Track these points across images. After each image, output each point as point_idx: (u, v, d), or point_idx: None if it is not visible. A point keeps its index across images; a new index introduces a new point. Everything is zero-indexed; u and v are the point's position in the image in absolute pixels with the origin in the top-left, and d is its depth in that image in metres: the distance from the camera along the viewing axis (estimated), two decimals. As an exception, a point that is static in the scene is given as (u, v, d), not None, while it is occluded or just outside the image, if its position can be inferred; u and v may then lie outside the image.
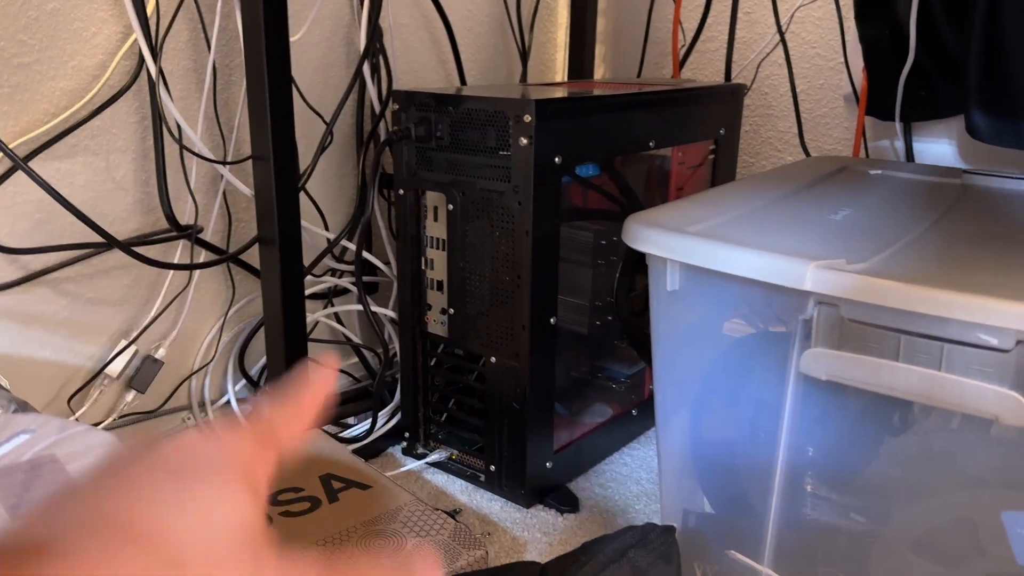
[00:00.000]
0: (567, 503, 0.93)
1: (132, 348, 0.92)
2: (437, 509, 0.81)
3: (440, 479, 0.99)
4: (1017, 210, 0.84)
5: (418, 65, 1.19)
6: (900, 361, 0.58)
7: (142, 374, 0.93)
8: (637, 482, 0.99)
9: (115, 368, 0.90)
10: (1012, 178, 0.92)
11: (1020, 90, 1.00)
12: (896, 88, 1.11)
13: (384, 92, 1.08)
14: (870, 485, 0.72)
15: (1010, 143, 1.02)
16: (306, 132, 1.02)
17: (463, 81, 1.23)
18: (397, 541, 0.75)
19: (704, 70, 1.33)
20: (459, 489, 0.97)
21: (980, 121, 1.03)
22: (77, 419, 0.89)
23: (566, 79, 1.39)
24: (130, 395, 0.93)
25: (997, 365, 0.55)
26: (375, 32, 1.03)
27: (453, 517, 0.83)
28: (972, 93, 1.02)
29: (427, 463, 1.00)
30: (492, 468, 0.95)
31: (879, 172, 0.98)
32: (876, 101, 1.15)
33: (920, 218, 0.76)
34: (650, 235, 0.69)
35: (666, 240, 0.68)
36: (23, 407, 0.66)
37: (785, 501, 0.71)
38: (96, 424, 0.91)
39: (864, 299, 0.57)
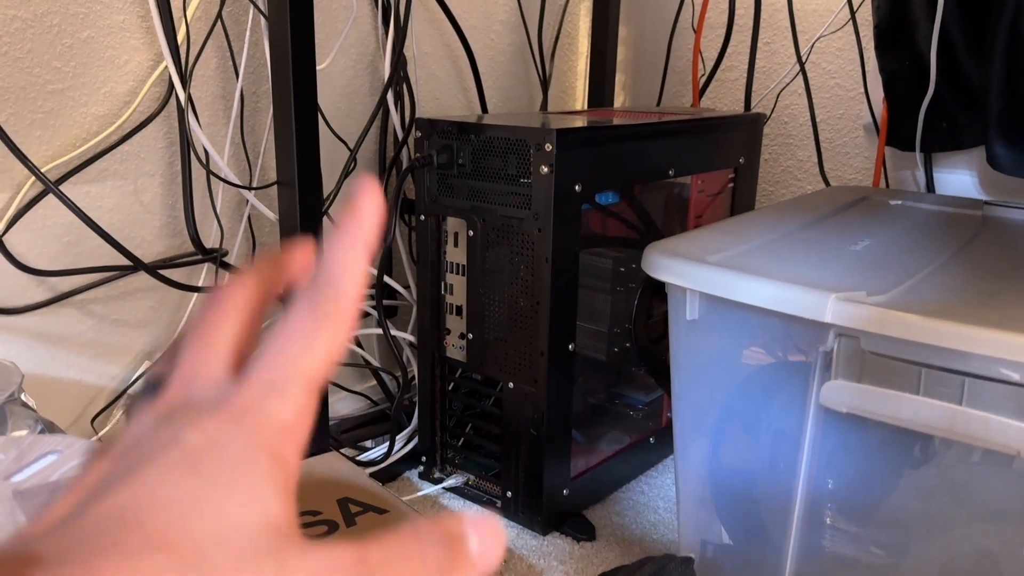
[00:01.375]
0: (583, 531, 0.93)
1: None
2: (454, 535, 0.81)
3: (456, 504, 0.99)
4: (1039, 242, 0.84)
5: (440, 93, 1.21)
6: (921, 395, 0.58)
7: (164, 395, 0.94)
8: (654, 511, 0.99)
9: (138, 389, 0.92)
10: (1034, 210, 0.92)
11: (1042, 122, 1.00)
12: (916, 119, 1.11)
13: (407, 119, 1.10)
14: (890, 518, 0.71)
15: (1032, 175, 1.02)
16: (330, 157, 1.04)
17: (484, 109, 1.24)
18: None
19: (724, 99, 1.34)
20: (475, 515, 0.96)
21: (1001, 152, 1.03)
22: (101, 440, 0.90)
23: (586, 107, 1.40)
24: (152, 415, 0.94)
25: (1019, 400, 0.54)
26: (399, 61, 1.05)
27: (469, 543, 0.83)
28: (993, 124, 1.02)
29: (444, 488, 1.01)
30: (508, 494, 0.95)
31: (899, 203, 0.98)
32: (896, 131, 1.15)
33: (941, 249, 0.76)
34: (670, 264, 0.69)
35: (686, 270, 0.68)
36: (49, 427, 0.67)
37: (804, 533, 0.70)
38: (118, 444, 0.92)
39: (885, 332, 0.57)
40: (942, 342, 0.55)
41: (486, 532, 0.24)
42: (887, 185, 1.19)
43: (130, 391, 0.92)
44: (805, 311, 0.60)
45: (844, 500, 0.72)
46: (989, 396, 0.56)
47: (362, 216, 0.25)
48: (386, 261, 1.15)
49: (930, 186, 1.15)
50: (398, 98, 1.08)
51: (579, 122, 0.97)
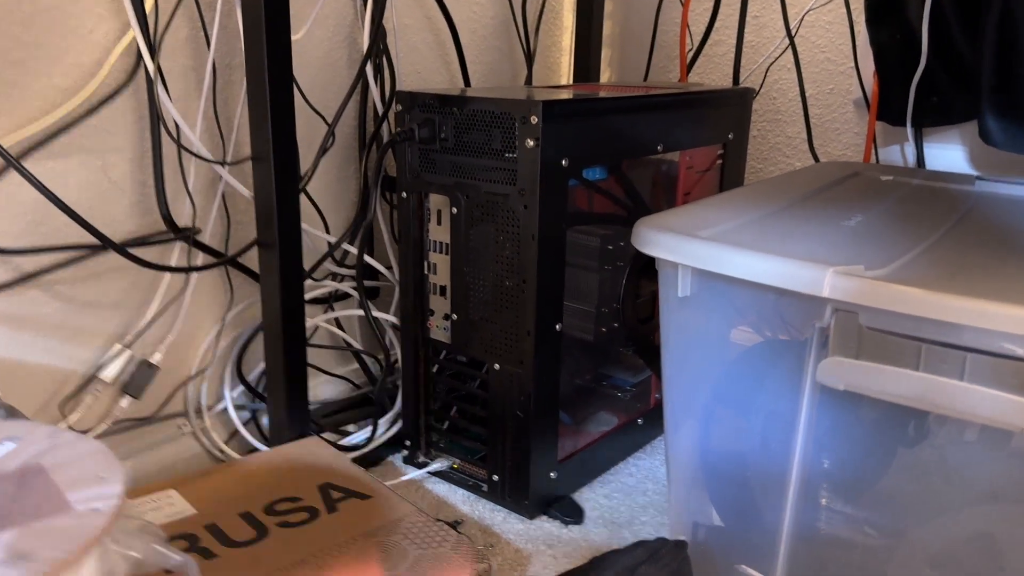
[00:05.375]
0: (571, 514, 0.91)
1: (127, 352, 0.89)
2: (438, 520, 0.79)
3: (442, 489, 0.96)
4: (1033, 217, 0.82)
5: (422, 67, 1.17)
6: (921, 370, 0.56)
7: (137, 379, 0.91)
8: (643, 493, 0.97)
9: (109, 373, 0.88)
10: (1026, 185, 0.90)
11: (1035, 95, 0.98)
12: (907, 93, 1.09)
13: (387, 93, 1.06)
14: (885, 498, 0.70)
15: (1024, 149, 1.01)
16: (307, 133, 1.00)
17: (467, 83, 1.21)
18: (397, 552, 0.73)
19: (712, 74, 1.32)
20: (461, 499, 0.95)
21: (993, 126, 1.01)
22: (70, 426, 0.86)
23: (572, 82, 1.37)
24: (125, 401, 0.91)
25: (1021, 375, 0.53)
26: (378, 32, 1.01)
27: (455, 528, 0.81)
28: (986, 98, 1.01)
29: (428, 472, 0.98)
30: (495, 478, 0.93)
31: (891, 178, 0.96)
32: (887, 106, 1.13)
33: (935, 224, 0.74)
34: (661, 239, 0.67)
35: (678, 244, 0.66)
36: (11, 412, 0.64)
37: (799, 514, 0.68)
38: (88, 431, 0.89)
39: (884, 306, 0.55)
40: (945, 316, 0.53)
41: None
42: (877, 160, 1.17)
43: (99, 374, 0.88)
44: (802, 285, 0.58)
45: (839, 480, 0.70)
46: (990, 371, 0.54)
47: None
48: (367, 240, 1.12)
49: (920, 161, 1.14)
50: (378, 71, 1.05)
51: (565, 95, 0.94)
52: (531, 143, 0.80)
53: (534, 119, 0.79)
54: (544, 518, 0.91)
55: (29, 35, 0.78)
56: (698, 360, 0.76)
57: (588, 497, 0.96)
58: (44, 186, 0.76)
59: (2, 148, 0.75)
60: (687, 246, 0.65)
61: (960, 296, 0.53)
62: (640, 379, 1.08)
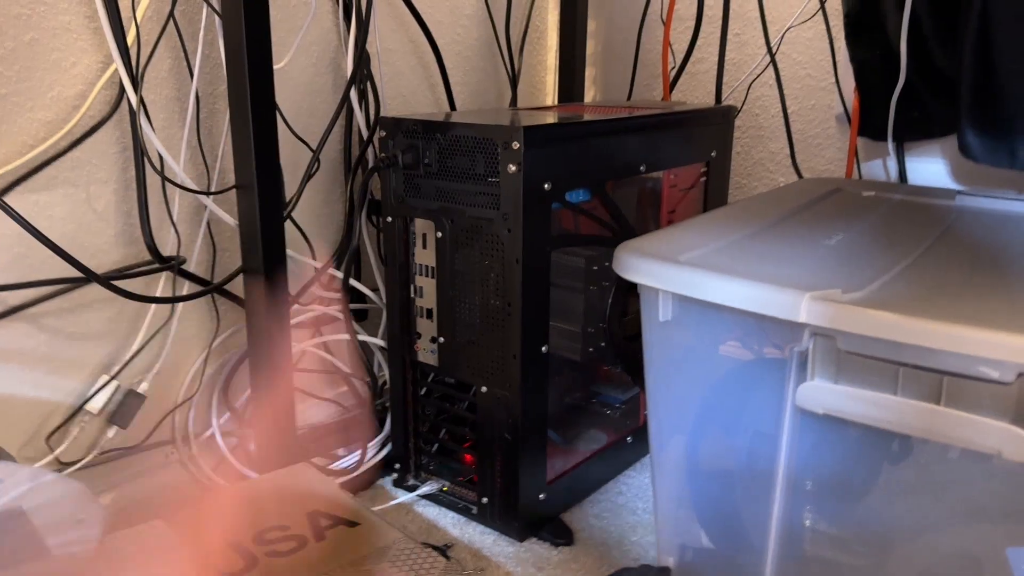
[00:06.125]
0: (561, 536, 0.91)
1: (114, 383, 0.89)
2: (427, 545, 0.79)
3: (432, 512, 0.96)
4: (1012, 232, 0.83)
5: (407, 90, 1.18)
6: (899, 394, 0.56)
7: (124, 409, 0.91)
8: (633, 512, 0.97)
9: (96, 404, 0.88)
10: (1005, 199, 0.91)
11: (1012, 109, 0.99)
12: (888, 108, 1.10)
13: (372, 118, 1.07)
14: (870, 518, 0.70)
15: (1003, 163, 1.02)
16: (293, 159, 1.01)
17: (452, 106, 1.22)
18: (386, 580, 0.73)
19: (695, 92, 1.33)
20: (451, 522, 0.95)
21: (973, 141, 1.02)
22: (57, 458, 0.86)
23: (556, 102, 1.38)
24: (111, 431, 0.91)
25: (998, 398, 0.53)
26: (362, 58, 1.02)
27: (444, 553, 0.81)
28: (964, 113, 1.02)
29: (418, 495, 0.98)
30: (484, 500, 0.93)
31: (872, 194, 0.97)
32: (868, 122, 1.14)
33: (915, 242, 0.75)
34: (641, 265, 0.67)
35: (658, 270, 0.66)
36: (-5, 452, 0.64)
37: (784, 536, 0.69)
38: (75, 462, 0.89)
39: (861, 331, 0.56)
40: (919, 340, 0.54)
41: None
42: (859, 175, 1.18)
43: (87, 406, 0.88)
44: (779, 311, 0.59)
45: (823, 501, 0.71)
46: (968, 394, 0.54)
47: None
48: (354, 264, 1.12)
49: (902, 176, 1.14)
50: (362, 96, 1.05)
51: (548, 119, 0.95)
52: (513, 168, 0.80)
53: (516, 145, 0.80)
54: (534, 540, 0.91)
55: (11, 70, 0.78)
56: (683, 381, 0.76)
57: (578, 517, 0.96)
58: (27, 222, 0.76)
59: (-15, 183, 0.75)
60: (667, 272, 0.66)
61: (934, 320, 0.53)
62: (629, 396, 1.08)
